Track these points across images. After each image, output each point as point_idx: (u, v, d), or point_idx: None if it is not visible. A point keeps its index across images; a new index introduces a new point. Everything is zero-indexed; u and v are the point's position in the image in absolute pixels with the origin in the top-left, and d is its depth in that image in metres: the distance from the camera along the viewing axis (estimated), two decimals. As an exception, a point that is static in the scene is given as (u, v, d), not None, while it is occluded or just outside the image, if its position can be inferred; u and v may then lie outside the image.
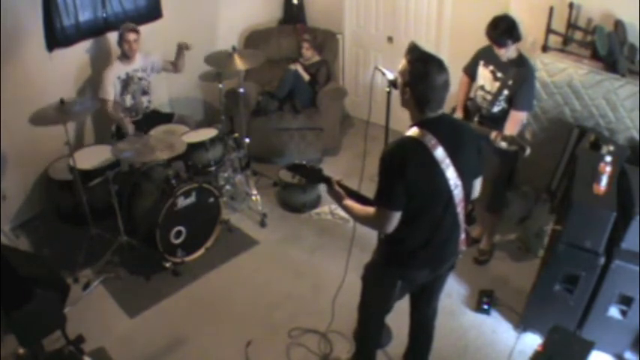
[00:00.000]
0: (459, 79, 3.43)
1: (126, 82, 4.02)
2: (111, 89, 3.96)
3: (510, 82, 3.10)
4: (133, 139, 3.52)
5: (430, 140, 2.02)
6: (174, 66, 4.23)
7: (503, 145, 2.77)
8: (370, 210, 2.15)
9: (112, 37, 4.18)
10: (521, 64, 3.11)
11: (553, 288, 2.87)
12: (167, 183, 3.51)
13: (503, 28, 3.01)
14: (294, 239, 3.96)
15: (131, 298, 3.41)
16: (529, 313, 3.07)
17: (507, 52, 3.08)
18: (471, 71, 3.40)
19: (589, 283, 2.78)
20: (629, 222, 2.61)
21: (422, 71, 2.01)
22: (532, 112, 3.44)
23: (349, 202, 2.25)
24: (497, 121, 3.16)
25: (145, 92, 4.16)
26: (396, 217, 2.08)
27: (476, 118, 3.33)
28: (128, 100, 4.09)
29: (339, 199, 2.28)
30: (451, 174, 2.07)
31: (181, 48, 4.16)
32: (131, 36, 3.91)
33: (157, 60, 4.20)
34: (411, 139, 2.06)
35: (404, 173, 2.00)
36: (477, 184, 2.32)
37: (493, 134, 2.80)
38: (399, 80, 2.11)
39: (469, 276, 3.52)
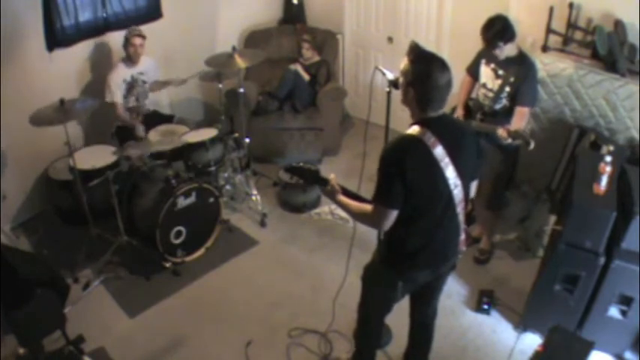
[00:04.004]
0: (461, 79, 3.44)
1: (131, 85, 4.05)
2: (118, 92, 3.99)
3: (512, 79, 3.12)
4: (134, 144, 3.55)
5: (429, 138, 2.02)
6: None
7: (509, 140, 2.80)
8: (367, 207, 2.15)
9: (112, 37, 4.19)
10: (522, 61, 3.13)
11: (553, 288, 2.87)
12: (167, 183, 3.51)
13: (495, 30, 3.02)
14: (294, 239, 3.95)
15: (131, 298, 3.41)
16: (529, 313, 3.06)
17: (502, 53, 3.10)
18: (473, 71, 3.41)
19: (589, 283, 2.78)
20: (629, 222, 2.61)
21: (424, 71, 2.00)
22: (535, 107, 3.46)
23: (344, 198, 2.25)
24: (499, 118, 3.18)
25: (147, 95, 4.18)
26: (392, 215, 2.07)
27: (478, 116, 3.34)
28: (131, 102, 4.10)
29: (333, 195, 2.27)
30: (450, 173, 2.07)
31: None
32: (137, 40, 3.94)
33: (157, 71, 4.23)
34: (410, 136, 2.06)
35: (403, 171, 2.00)
36: (473, 186, 2.32)
37: (500, 130, 2.84)
38: (401, 80, 2.10)
39: (469, 276, 3.52)
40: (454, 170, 2.07)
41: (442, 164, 2.04)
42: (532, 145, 2.72)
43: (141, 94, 4.12)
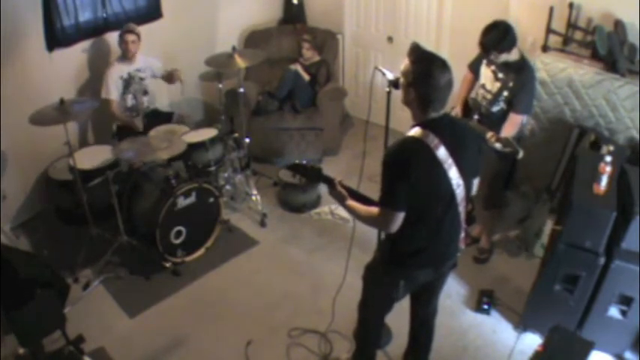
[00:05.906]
0: (462, 77, 3.43)
1: (128, 82, 4.05)
2: (114, 89, 4.00)
3: (511, 84, 3.10)
4: (133, 139, 3.54)
5: (432, 140, 2.02)
6: (168, 79, 4.18)
7: (498, 146, 2.79)
8: (374, 210, 2.15)
9: (112, 37, 4.19)
10: (522, 67, 3.10)
11: (553, 288, 2.87)
12: (167, 183, 3.51)
13: (489, 38, 3.00)
14: (294, 239, 3.95)
15: (131, 298, 3.41)
16: (529, 313, 3.07)
17: (496, 58, 3.08)
18: (475, 68, 3.40)
19: (589, 283, 2.78)
20: (629, 222, 2.61)
21: (425, 71, 2.00)
22: (531, 114, 3.45)
23: (352, 203, 2.25)
24: (496, 120, 3.17)
25: (145, 92, 4.18)
26: (400, 217, 2.08)
27: (475, 116, 3.33)
28: (129, 100, 4.11)
29: (341, 200, 2.27)
30: (454, 174, 2.07)
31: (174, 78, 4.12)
32: (129, 37, 3.93)
33: (157, 66, 4.22)
34: (413, 139, 2.05)
35: (407, 173, 2.00)
36: (474, 184, 2.32)
37: (489, 134, 2.83)
38: (402, 80, 2.09)
39: (469, 276, 3.52)
40: (457, 170, 2.07)
41: (445, 165, 2.04)
42: (520, 155, 2.71)
43: (138, 91, 4.12)
